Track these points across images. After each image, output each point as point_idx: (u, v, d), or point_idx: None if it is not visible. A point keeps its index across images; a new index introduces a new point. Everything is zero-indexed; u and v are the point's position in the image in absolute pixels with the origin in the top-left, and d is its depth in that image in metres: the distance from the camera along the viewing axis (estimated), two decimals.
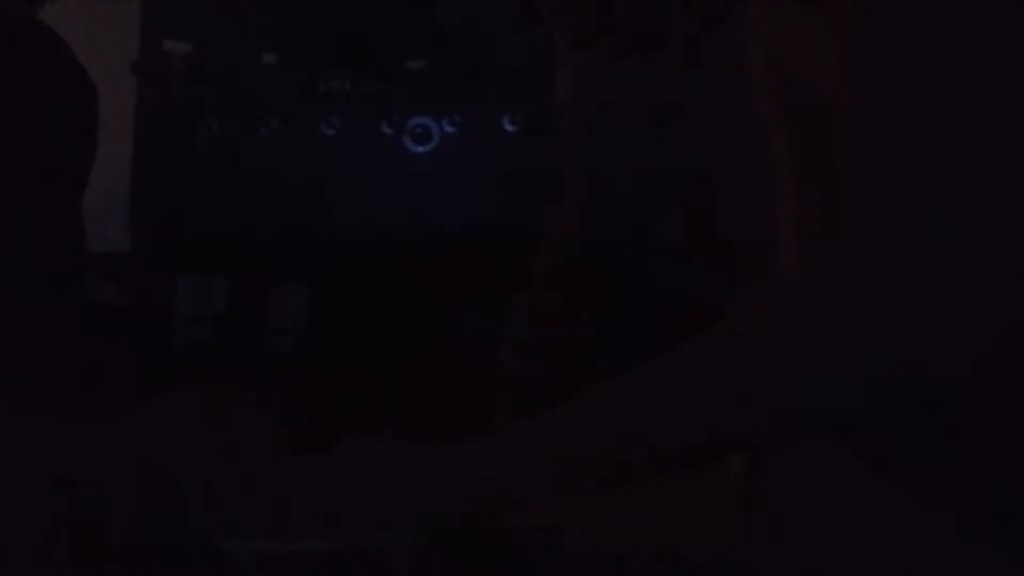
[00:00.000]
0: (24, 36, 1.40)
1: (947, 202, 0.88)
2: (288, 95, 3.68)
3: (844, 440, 0.98)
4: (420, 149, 3.02)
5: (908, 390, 0.90)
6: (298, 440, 1.05)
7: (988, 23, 0.90)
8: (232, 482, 0.96)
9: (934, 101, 0.90)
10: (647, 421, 0.94)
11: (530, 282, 2.24)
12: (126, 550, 0.93)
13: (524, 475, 0.97)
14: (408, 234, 2.95)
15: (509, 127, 2.89)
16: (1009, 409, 0.93)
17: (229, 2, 3.70)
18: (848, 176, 0.93)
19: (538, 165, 2.76)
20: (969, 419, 0.94)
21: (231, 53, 3.66)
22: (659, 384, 0.95)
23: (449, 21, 2.97)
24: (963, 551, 0.93)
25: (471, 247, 2.88)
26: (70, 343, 1.38)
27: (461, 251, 2.89)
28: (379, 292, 3.55)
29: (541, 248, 2.24)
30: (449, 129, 2.97)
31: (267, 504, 0.99)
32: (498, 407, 2.12)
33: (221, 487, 0.96)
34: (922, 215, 0.88)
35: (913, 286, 0.87)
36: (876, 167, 0.91)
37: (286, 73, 3.67)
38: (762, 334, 0.93)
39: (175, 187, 3.64)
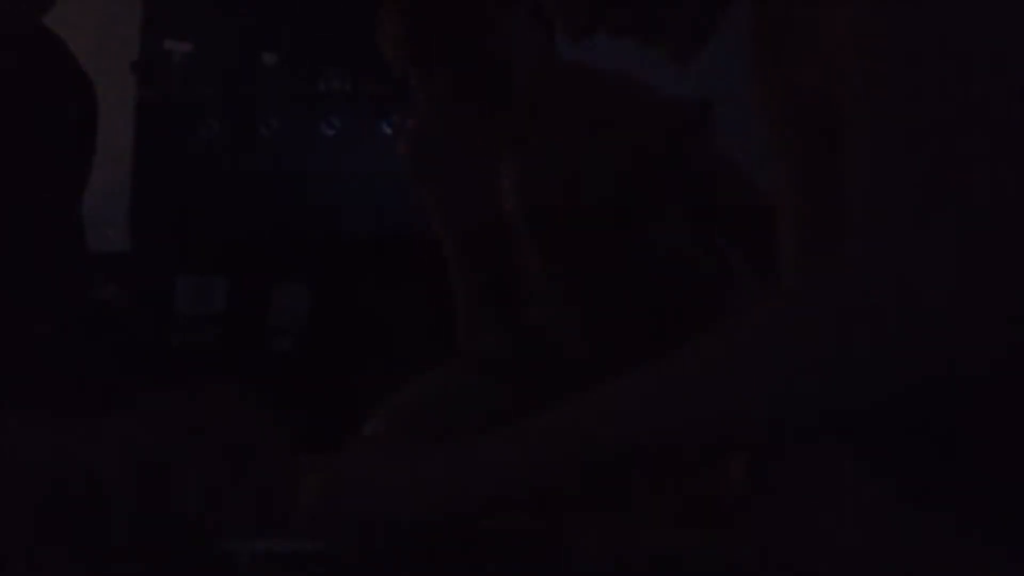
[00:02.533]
0: (24, 37, 1.40)
1: (950, 205, 0.88)
2: (288, 95, 3.68)
3: (844, 440, 0.98)
4: None
5: (908, 391, 0.90)
6: (298, 440, 1.05)
7: (987, 19, 0.90)
8: (232, 482, 0.96)
9: (935, 101, 0.90)
10: (646, 422, 0.94)
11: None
12: (126, 550, 0.93)
13: (524, 476, 0.97)
14: (408, 234, 2.95)
15: None
16: (1009, 409, 0.93)
17: (229, 2, 3.70)
18: (850, 178, 0.93)
19: None
20: (969, 419, 0.93)
21: (231, 53, 3.67)
22: (659, 385, 0.95)
23: None
24: (963, 551, 0.93)
25: None
26: (70, 343, 1.38)
27: None
28: (379, 292, 3.55)
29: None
30: None
31: (267, 504, 0.98)
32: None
33: (221, 487, 0.96)
34: (924, 218, 0.88)
35: (915, 288, 0.87)
36: (878, 169, 0.91)
37: (286, 73, 3.67)
38: (762, 336, 0.93)
39: (175, 187, 3.64)
